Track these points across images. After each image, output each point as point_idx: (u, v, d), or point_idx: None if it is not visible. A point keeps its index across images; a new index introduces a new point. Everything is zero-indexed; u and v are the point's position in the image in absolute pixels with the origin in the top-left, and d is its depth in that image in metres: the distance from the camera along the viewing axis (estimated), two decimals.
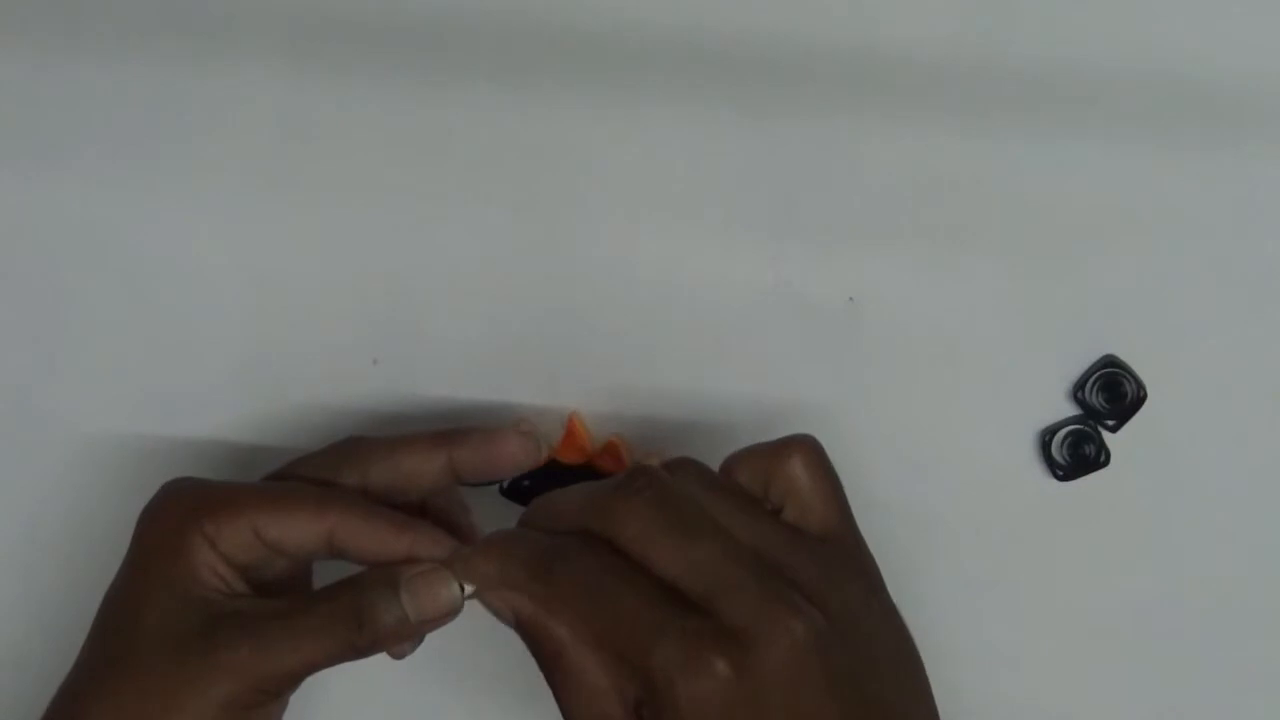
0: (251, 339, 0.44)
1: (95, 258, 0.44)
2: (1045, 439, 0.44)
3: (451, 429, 0.40)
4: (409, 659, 0.38)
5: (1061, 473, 0.44)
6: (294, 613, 0.36)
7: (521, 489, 0.44)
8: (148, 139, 0.43)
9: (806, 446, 0.36)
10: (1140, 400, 0.43)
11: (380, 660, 0.37)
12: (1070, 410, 0.44)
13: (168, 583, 0.36)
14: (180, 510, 0.36)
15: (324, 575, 0.38)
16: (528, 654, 0.36)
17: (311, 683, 0.36)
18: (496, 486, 0.44)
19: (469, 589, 0.37)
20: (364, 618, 0.36)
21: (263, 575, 0.37)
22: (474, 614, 0.37)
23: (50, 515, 0.44)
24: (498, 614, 0.37)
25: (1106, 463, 0.43)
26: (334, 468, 0.39)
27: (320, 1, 0.43)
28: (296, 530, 0.37)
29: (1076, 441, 0.43)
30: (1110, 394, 0.43)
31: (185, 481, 0.38)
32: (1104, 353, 0.44)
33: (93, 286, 0.44)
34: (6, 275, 0.44)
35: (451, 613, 0.37)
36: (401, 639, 0.37)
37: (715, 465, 0.44)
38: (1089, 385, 0.43)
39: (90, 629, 0.36)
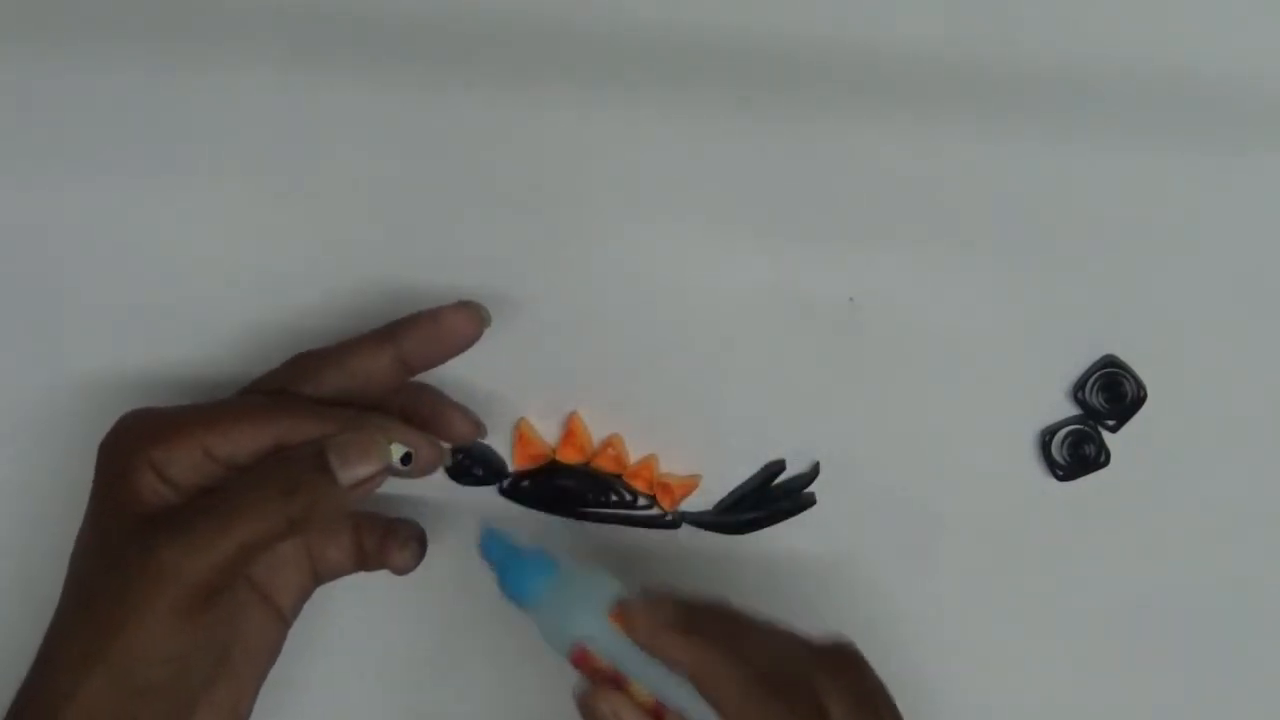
0: (252, 339, 0.44)
1: (95, 257, 0.44)
2: (1045, 439, 0.44)
3: (392, 322, 0.40)
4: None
5: (1061, 473, 0.44)
6: (221, 497, 0.35)
7: (521, 489, 0.44)
8: (148, 139, 0.43)
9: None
10: (1140, 400, 0.43)
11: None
12: (1070, 410, 0.44)
13: (114, 511, 0.36)
14: (129, 440, 0.37)
15: None
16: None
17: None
18: (496, 486, 0.44)
19: (401, 450, 0.37)
20: (290, 485, 0.35)
21: None
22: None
23: (50, 515, 0.44)
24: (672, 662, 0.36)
25: (1106, 463, 0.43)
26: (288, 382, 0.39)
27: (320, 2, 0.43)
28: (246, 443, 0.36)
29: (1076, 441, 0.43)
30: (1110, 394, 0.43)
31: (136, 412, 0.38)
32: (1104, 353, 0.44)
33: (93, 286, 0.44)
34: (6, 275, 0.44)
35: (382, 471, 0.36)
36: (335, 506, 0.36)
37: (715, 464, 0.44)
38: (1089, 385, 0.43)
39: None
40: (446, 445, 0.39)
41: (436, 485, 0.44)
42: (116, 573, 0.35)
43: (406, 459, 0.37)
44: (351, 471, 0.36)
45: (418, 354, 0.39)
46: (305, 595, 0.40)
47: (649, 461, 0.44)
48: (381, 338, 0.39)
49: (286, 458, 0.36)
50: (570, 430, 0.44)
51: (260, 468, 0.36)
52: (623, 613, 0.36)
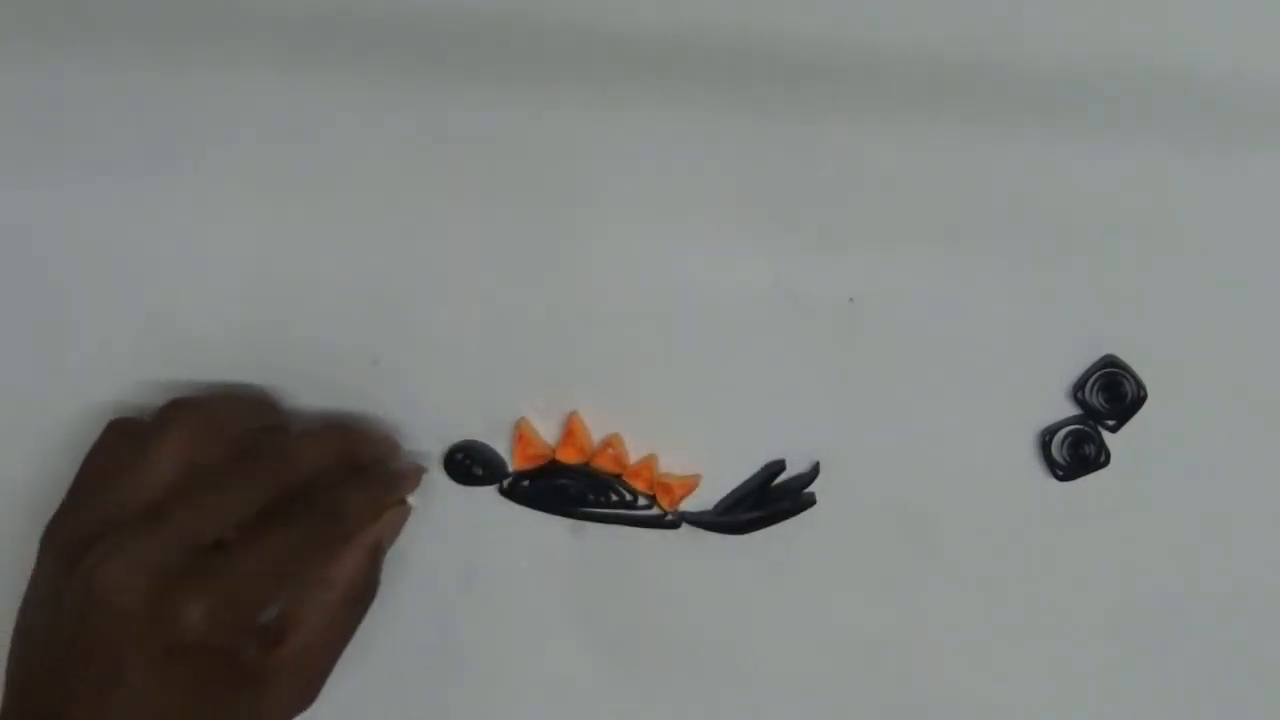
0: (251, 339, 0.44)
1: (95, 258, 0.44)
2: (1045, 439, 0.44)
3: (347, 434, 0.42)
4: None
5: (1061, 473, 0.44)
6: (322, 635, 0.40)
7: (521, 489, 0.44)
8: (148, 139, 0.43)
9: None
10: (1140, 400, 0.43)
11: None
12: (1070, 410, 0.44)
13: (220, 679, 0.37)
14: (226, 628, 0.36)
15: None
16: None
17: None
18: (496, 486, 0.44)
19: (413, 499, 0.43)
20: (374, 586, 0.42)
21: None
22: None
23: (49, 515, 0.44)
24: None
25: (1106, 463, 0.43)
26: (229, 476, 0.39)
27: (320, 2, 0.43)
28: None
29: (1076, 441, 0.43)
30: (1110, 394, 0.43)
31: (206, 591, 0.36)
32: (1104, 353, 0.44)
33: (92, 286, 0.44)
34: (6, 275, 0.44)
35: None
36: None
37: (715, 464, 0.44)
38: (1089, 385, 0.43)
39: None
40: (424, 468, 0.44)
41: (436, 485, 0.44)
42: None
43: None
44: (395, 539, 0.43)
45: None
46: None
47: (649, 461, 0.44)
48: (337, 444, 0.41)
49: (373, 562, 0.42)
50: (570, 430, 0.44)
51: (353, 589, 0.41)
52: None
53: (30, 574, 0.39)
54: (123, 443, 0.40)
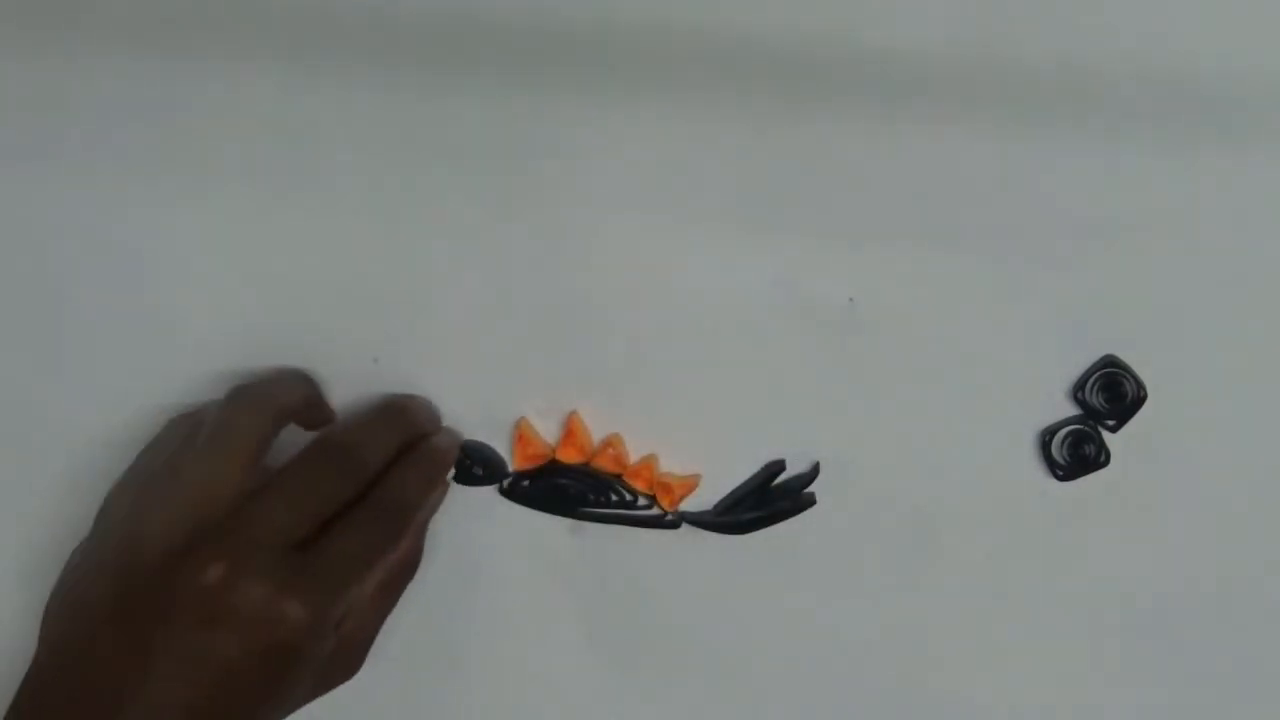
0: (251, 339, 0.44)
1: (94, 258, 0.44)
2: (1045, 439, 0.44)
3: (404, 422, 0.42)
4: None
5: (1061, 473, 0.44)
6: (385, 601, 0.43)
7: (521, 489, 0.44)
8: (146, 138, 0.43)
9: None
10: (1140, 400, 0.43)
11: None
12: (1070, 410, 0.44)
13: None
14: (320, 629, 0.37)
15: None
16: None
17: None
18: (496, 486, 0.44)
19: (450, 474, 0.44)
20: (418, 560, 0.44)
21: None
22: None
23: (50, 516, 0.44)
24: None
25: (1106, 463, 0.43)
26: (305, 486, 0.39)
27: (320, 1, 0.43)
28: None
29: (1076, 441, 0.43)
30: (1110, 394, 0.43)
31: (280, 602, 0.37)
32: (1104, 353, 0.44)
33: (92, 286, 0.44)
34: (6, 275, 0.44)
35: None
36: None
37: (715, 464, 0.44)
38: (1089, 385, 0.43)
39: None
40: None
41: None
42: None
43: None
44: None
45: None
46: None
47: (649, 461, 0.44)
48: (397, 431, 0.42)
49: (419, 538, 0.44)
50: (570, 430, 0.44)
51: (400, 567, 0.43)
52: None
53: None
54: (191, 432, 0.40)
